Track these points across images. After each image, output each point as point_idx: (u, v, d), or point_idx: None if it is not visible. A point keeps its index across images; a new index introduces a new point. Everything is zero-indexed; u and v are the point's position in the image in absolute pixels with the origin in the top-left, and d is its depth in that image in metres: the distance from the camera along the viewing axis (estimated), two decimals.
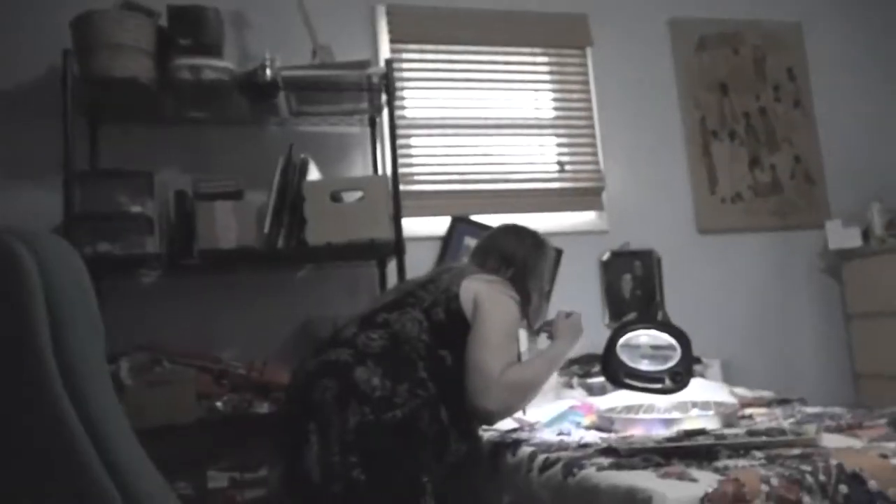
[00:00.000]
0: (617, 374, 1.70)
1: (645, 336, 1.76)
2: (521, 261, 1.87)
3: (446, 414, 1.57)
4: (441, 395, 1.58)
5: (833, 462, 1.23)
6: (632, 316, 2.77)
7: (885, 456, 1.27)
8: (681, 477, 1.22)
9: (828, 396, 2.95)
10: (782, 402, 2.10)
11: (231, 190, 2.31)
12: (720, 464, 1.30)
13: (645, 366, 1.72)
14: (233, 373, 2.32)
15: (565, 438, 1.71)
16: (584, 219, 3.08)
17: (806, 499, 1.18)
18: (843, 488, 1.20)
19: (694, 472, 1.25)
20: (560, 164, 3.06)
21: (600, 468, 1.35)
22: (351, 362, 1.58)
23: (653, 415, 1.83)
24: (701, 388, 2.20)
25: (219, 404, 2.23)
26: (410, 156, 2.92)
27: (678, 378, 1.66)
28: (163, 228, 2.31)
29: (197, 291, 2.55)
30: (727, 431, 1.56)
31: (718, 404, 1.91)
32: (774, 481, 1.19)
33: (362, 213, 2.32)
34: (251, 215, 2.31)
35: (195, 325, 2.54)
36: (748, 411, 1.93)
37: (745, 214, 3.21)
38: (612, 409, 1.91)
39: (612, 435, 1.69)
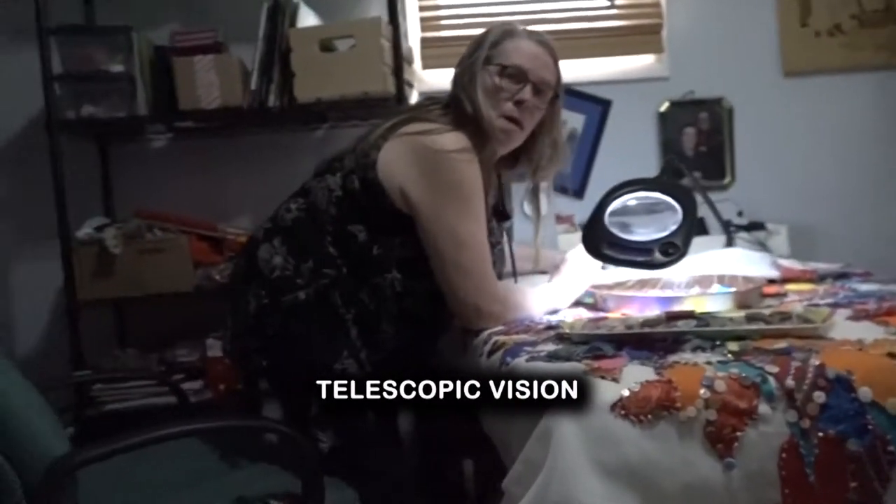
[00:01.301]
0: (599, 244, 1.41)
1: (641, 199, 1.44)
2: (458, 80, 1.50)
3: (369, 295, 1.36)
4: (359, 275, 1.36)
5: (813, 362, 0.93)
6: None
7: (894, 355, 0.95)
8: (605, 375, 0.97)
9: None
10: (841, 276, 1.73)
11: (209, 42, 2.11)
12: (676, 357, 1.03)
13: (638, 235, 1.42)
14: (231, 241, 2.23)
15: (547, 318, 1.47)
16: (639, 63, 2.64)
17: (763, 408, 0.90)
18: (820, 396, 0.90)
19: (634, 368, 0.99)
20: None
21: (532, 358, 1.12)
22: (260, 239, 1.42)
23: (656, 292, 1.55)
24: (738, 260, 1.87)
25: (215, 273, 2.16)
26: None
27: (670, 250, 1.35)
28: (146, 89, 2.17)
29: (201, 156, 2.44)
30: (722, 315, 1.26)
31: (748, 280, 1.60)
32: (720, 385, 0.91)
33: (354, 64, 2.06)
34: (236, 70, 2.11)
35: (203, 193, 2.46)
36: (787, 288, 1.60)
37: (845, 51, 2.63)
38: (620, 284, 1.64)
39: (599, 314, 1.44)
